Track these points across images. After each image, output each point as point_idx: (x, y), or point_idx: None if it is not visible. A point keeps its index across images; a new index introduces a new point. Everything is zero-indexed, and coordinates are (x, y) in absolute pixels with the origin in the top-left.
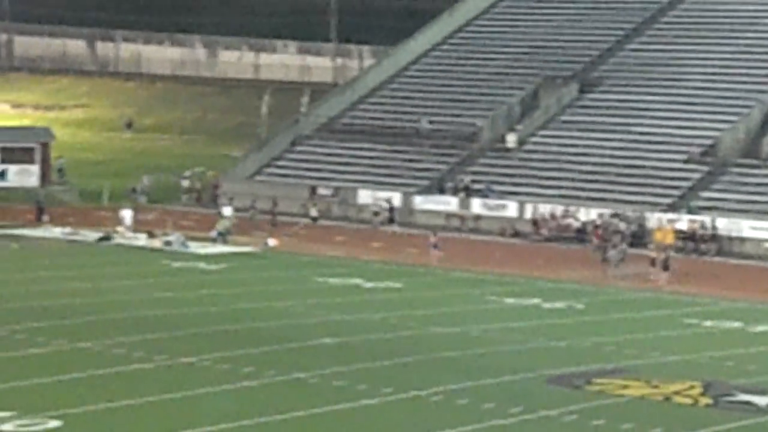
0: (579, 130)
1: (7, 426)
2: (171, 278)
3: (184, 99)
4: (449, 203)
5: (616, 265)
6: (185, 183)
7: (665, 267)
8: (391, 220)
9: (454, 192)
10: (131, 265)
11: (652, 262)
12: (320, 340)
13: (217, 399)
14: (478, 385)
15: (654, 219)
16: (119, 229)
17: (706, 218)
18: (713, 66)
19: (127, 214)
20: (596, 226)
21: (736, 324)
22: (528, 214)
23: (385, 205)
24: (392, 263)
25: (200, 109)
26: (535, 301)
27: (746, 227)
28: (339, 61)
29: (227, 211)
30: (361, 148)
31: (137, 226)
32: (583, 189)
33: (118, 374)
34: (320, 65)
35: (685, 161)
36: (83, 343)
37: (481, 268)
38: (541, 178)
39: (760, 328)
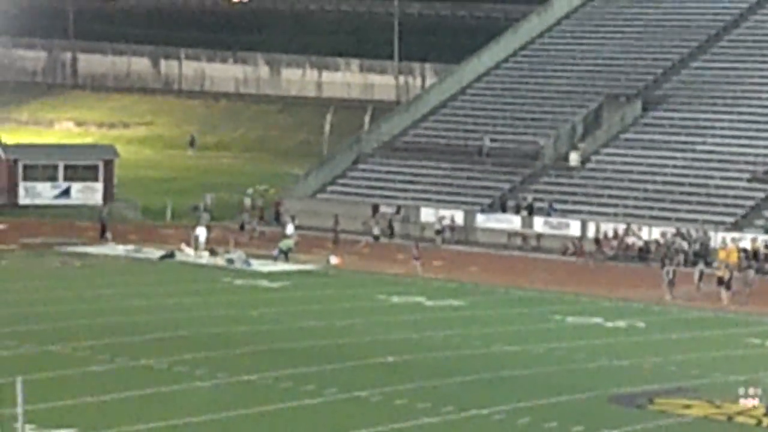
0: (642, 148)
1: None
2: (233, 296)
3: (247, 117)
4: (511, 222)
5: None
6: (247, 201)
7: (728, 286)
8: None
9: (517, 210)
10: (194, 283)
11: (719, 281)
12: (382, 358)
13: (278, 417)
14: (539, 404)
15: (717, 238)
16: (183, 246)
17: None
18: None
19: (201, 233)
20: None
21: None
22: (590, 232)
23: (447, 222)
24: (454, 281)
25: (263, 127)
26: (598, 320)
27: None
28: (401, 79)
29: (289, 229)
30: (423, 166)
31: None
32: (646, 207)
33: (180, 392)
34: (383, 83)
35: (749, 180)
36: (145, 360)
37: (543, 286)
38: (603, 196)
39: None
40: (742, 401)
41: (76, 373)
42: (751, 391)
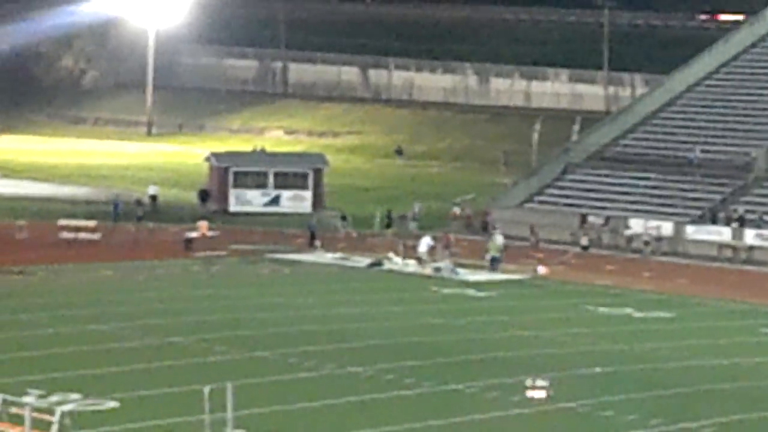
0: None
1: None
2: (440, 305)
3: (455, 126)
4: (722, 233)
5: None
6: (456, 210)
7: None
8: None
9: (727, 222)
10: (401, 292)
11: None
12: (589, 369)
13: (485, 427)
14: (749, 417)
15: None
16: (390, 255)
17: None
18: None
19: (425, 242)
20: None
21: None
22: None
23: (655, 233)
24: (664, 293)
25: (470, 136)
26: None
27: None
28: (611, 89)
29: (498, 238)
30: (632, 177)
31: (410, 253)
32: None
33: (386, 400)
34: (592, 93)
35: None
36: (353, 368)
37: (755, 300)
38: None
39: None
40: None
41: (285, 379)
42: None
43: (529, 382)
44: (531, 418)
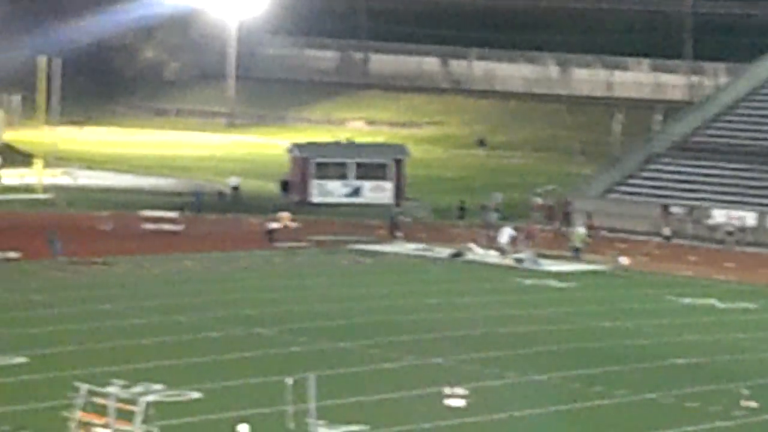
0: None
1: None
2: (522, 295)
3: (536, 117)
4: None
5: None
6: (537, 200)
7: None
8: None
9: None
10: (482, 282)
11: None
12: (672, 360)
13: (567, 418)
14: None
15: None
16: (471, 245)
17: None
18: None
19: (506, 232)
20: None
21: None
22: None
23: (738, 223)
24: (747, 284)
25: (551, 126)
26: None
27: None
28: (693, 78)
29: (581, 229)
30: (715, 167)
31: (491, 243)
32: None
33: (471, 390)
34: (674, 83)
35: None
36: (435, 358)
37: None
38: None
39: None
40: None
41: (367, 370)
42: None
43: (447, 390)
44: (612, 410)
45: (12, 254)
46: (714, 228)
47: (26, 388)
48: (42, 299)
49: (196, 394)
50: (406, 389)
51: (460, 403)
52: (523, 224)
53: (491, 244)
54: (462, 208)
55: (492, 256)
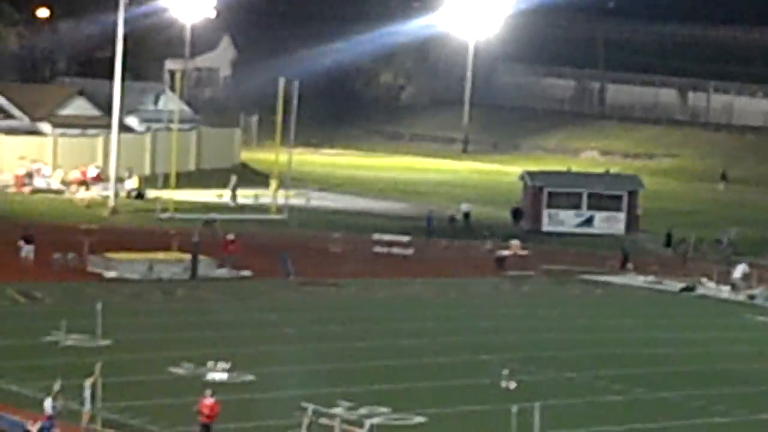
0: None
1: None
2: (752, 333)
3: None
4: None
5: None
6: None
7: None
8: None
9: None
10: (713, 317)
11: None
12: None
13: None
14: None
15: None
16: (703, 280)
17: None
18: None
19: (740, 268)
20: None
21: None
22: None
23: None
24: None
25: None
26: None
27: None
28: None
29: None
30: None
31: (724, 278)
32: None
33: (692, 426)
34: None
35: None
36: (663, 393)
37: None
38: None
39: None
40: None
41: (593, 401)
42: None
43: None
44: None
45: (245, 272)
46: None
47: (253, 406)
48: (271, 318)
49: (419, 419)
50: (631, 422)
51: None
52: (758, 260)
53: (724, 279)
54: (669, 235)
55: (724, 292)
